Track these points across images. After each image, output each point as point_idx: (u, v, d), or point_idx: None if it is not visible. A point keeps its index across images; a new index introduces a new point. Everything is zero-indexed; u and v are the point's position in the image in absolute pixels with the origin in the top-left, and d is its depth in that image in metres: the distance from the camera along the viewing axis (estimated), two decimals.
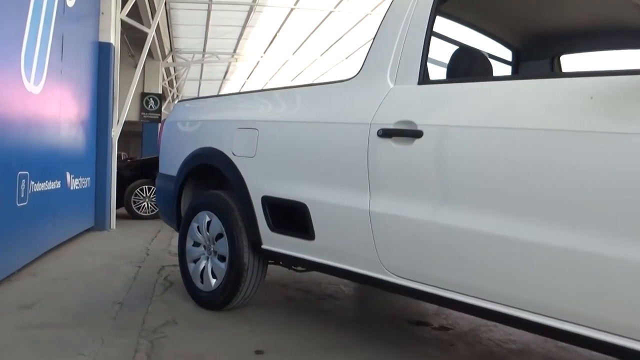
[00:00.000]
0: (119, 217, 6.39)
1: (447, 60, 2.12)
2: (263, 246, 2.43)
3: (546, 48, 2.78)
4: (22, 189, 3.38)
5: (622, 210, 1.29)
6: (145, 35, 11.38)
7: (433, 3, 1.90)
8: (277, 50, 15.27)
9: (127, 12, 6.32)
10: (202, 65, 16.50)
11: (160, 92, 14.48)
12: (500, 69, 2.75)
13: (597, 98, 1.39)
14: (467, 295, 1.64)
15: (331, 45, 14.98)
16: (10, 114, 3.16)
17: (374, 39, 2.07)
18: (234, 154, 2.53)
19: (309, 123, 2.18)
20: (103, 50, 5.78)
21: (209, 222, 2.69)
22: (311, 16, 12.23)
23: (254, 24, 12.60)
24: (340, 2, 11.45)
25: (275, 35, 13.66)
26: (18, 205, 3.31)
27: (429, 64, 1.94)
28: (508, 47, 2.82)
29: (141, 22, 8.27)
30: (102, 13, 5.81)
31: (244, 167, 2.47)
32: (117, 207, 6.39)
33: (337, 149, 2.04)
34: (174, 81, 17.70)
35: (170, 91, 17.74)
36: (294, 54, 15.85)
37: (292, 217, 2.27)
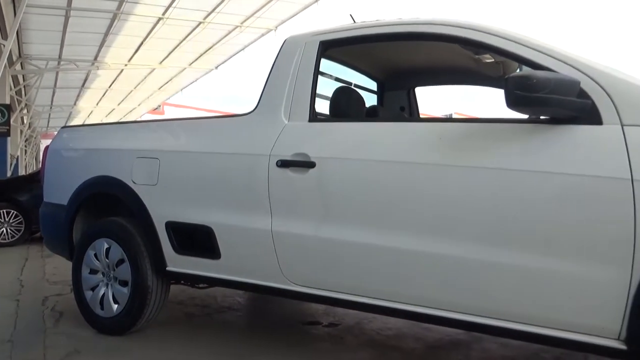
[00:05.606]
0: None
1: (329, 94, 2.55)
2: (168, 268, 2.58)
3: (404, 82, 3.36)
4: None
5: (459, 221, 1.78)
6: None
7: (318, 50, 2.28)
8: (143, 58, 14.70)
9: None
10: (57, 73, 15.17)
11: (7, 102, 13.00)
12: (369, 98, 3.27)
13: (444, 138, 1.88)
14: (355, 295, 2.04)
15: (201, 55, 14.90)
16: None
17: (267, 78, 2.38)
18: (134, 182, 2.64)
19: (213, 154, 2.41)
20: None
21: (107, 249, 2.75)
22: (181, 26, 12.08)
23: (117, 31, 12.05)
24: (208, 14, 11.54)
25: (142, 44, 13.20)
26: None
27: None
28: (375, 80, 3.34)
29: None
30: None
31: (145, 194, 2.59)
32: None
33: (240, 177, 2.30)
34: (23, 90, 15.99)
35: (20, 101, 15.98)
36: (161, 62, 15.41)
37: (197, 239, 2.46)
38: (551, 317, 1.65)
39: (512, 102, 1.59)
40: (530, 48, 1.78)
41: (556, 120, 1.66)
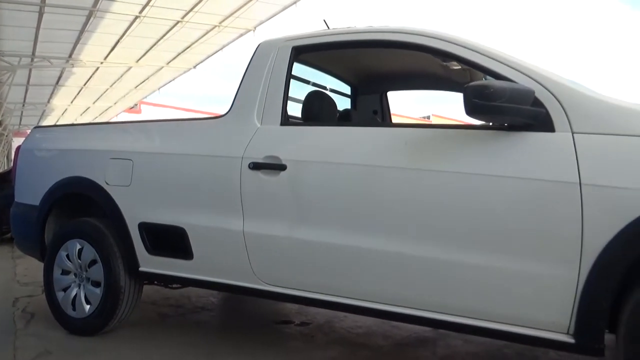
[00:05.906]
0: None
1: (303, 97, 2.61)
2: (141, 269, 2.59)
3: (376, 86, 3.45)
4: None
5: (423, 222, 1.86)
6: None
7: (290, 55, 2.33)
8: (119, 56, 14.50)
9: None
10: (30, 69, 14.84)
11: None
12: (343, 102, 3.34)
13: (410, 143, 1.96)
14: (322, 293, 2.10)
15: (179, 54, 14.78)
16: None
17: (241, 81, 2.42)
18: (107, 182, 2.65)
19: (186, 155, 2.44)
20: None
21: (80, 250, 2.75)
22: (158, 24, 11.97)
23: (93, 29, 11.85)
24: (186, 13, 11.46)
25: (118, 42, 13.03)
26: None
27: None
28: (348, 84, 3.42)
29: None
30: None
31: (118, 195, 2.61)
32: None
33: (213, 179, 2.34)
34: None
35: None
36: (138, 61, 15.22)
37: (170, 240, 2.49)
38: (507, 313, 1.74)
39: (470, 110, 1.67)
40: (490, 58, 1.87)
41: (512, 127, 1.76)
